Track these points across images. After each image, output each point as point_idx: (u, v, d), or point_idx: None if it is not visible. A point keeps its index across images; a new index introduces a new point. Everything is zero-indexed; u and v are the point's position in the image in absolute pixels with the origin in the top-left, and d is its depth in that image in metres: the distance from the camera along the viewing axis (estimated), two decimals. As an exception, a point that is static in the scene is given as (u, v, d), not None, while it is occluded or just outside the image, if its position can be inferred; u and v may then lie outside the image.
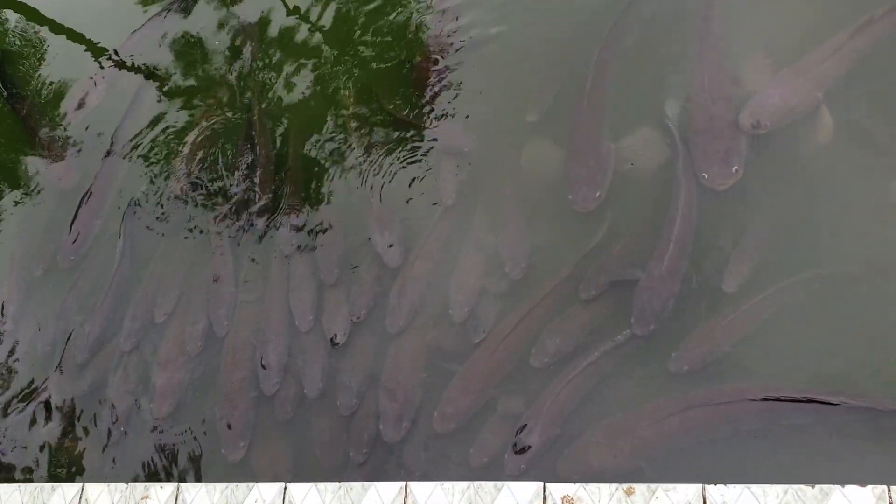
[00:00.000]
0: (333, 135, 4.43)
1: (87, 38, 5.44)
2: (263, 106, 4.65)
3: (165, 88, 5.02)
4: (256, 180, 4.36)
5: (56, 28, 5.58)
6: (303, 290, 3.94)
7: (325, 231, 4.13)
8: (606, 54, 3.86)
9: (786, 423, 2.82)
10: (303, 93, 4.65)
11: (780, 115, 3.41)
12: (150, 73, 5.09)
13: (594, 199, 3.55)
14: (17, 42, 5.61)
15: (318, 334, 3.84)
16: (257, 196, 4.34)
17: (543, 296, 3.46)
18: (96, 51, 5.34)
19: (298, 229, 4.17)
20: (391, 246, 3.85)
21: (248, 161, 4.48)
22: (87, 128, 5.04)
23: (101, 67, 5.22)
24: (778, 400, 2.82)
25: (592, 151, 3.65)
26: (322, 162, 4.37)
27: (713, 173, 3.37)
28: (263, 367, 3.80)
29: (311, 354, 3.77)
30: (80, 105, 5.11)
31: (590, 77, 3.80)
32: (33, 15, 5.69)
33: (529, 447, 3.14)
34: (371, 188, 4.14)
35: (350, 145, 4.34)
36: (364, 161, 4.25)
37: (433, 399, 3.45)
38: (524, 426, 3.20)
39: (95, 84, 5.15)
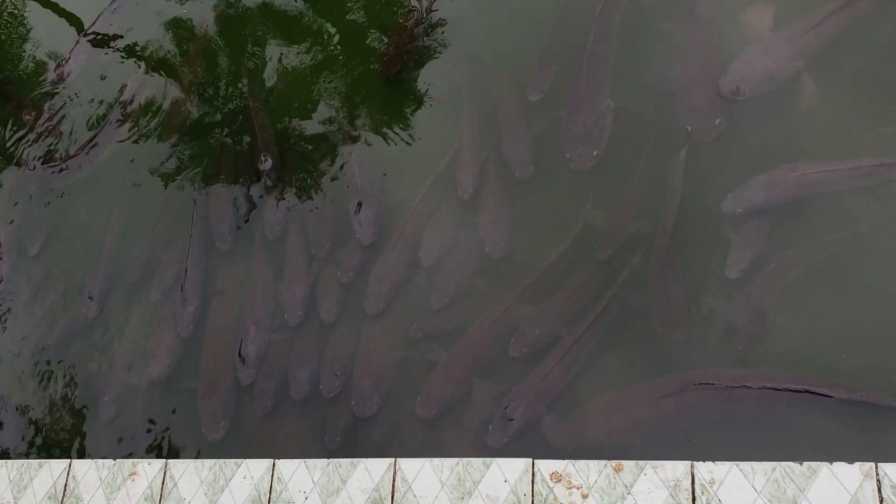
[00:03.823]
0: (321, 109, 4.36)
1: (65, 9, 5.32)
2: (252, 70, 4.58)
3: (147, 59, 4.93)
4: (258, 155, 4.24)
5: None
6: (294, 283, 3.84)
7: (315, 207, 4.07)
8: (609, 10, 3.83)
9: (782, 412, 2.80)
10: (294, 63, 4.58)
11: (760, 81, 3.43)
12: (129, 44, 4.99)
13: (591, 158, 3.55)
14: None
15: (310, 336, 3.74)
16: (253, 172, 4.26)
17: (529, 283, 3.42)
18: (74, 22, 5.23)
19: (285, 212, 4.10)
20: (372, 230, 3.80)
21: (243, 136, 4.41)
22: (67, 99, 4.95)
23: (80, 39, 5.11)
24: (776, 389, 2.80)
25: (591, 110, 3.63)
26: (311, 136, 4.31)
27: (697, 126, 3.44)
28: (241, 357, 3.75)
29: (301, 357, 3.67)
30: (60, 77, 5.01)
31: (591, 34, 3.76)
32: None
33: (513, 420, 3.13)
34: (356, 162, 4.08)
35: (339, 119, 4.28)
36: (353, 134, 4.19)
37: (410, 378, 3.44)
38: (511, 402, 3.17)
39: (74, 56, 5.05)
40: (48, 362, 4.19)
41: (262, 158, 4.20)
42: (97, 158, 4.66)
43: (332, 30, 4.60)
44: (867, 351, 2.85)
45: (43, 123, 4.90)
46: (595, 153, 3.54)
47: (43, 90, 5.04)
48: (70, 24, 5.24)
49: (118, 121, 4.73)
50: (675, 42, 3.67)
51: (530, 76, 3.91)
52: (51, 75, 5.06)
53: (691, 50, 3.63)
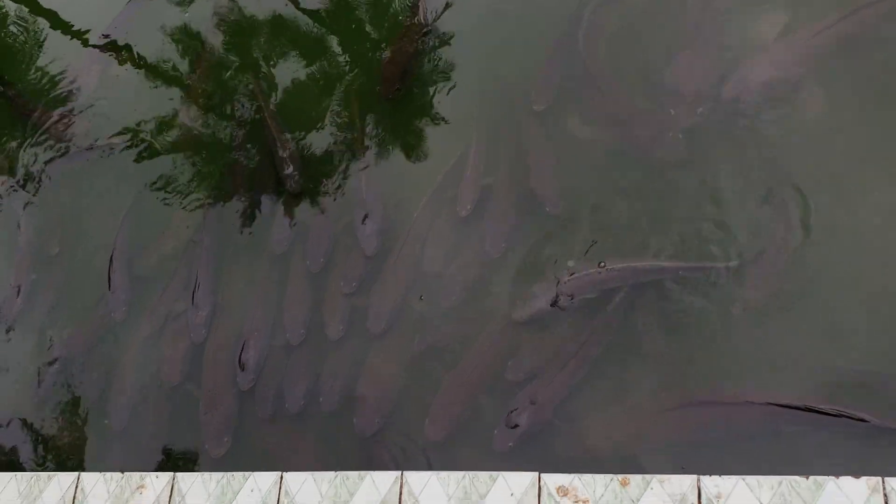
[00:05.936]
0: (327, 122, 4.38)
1: (74, 23, 5.37)
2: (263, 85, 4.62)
3: (156, 71, 4.96)
4: (282, 164, 4.23)
5: (44, 13, 5.50)
6: (297, 301, 3.85)
7: (316, 220, 4.09)
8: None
9: (786, 431, 2.81)
10: (301, 77, 4.60)
11: (762, 89, 3.47)
12: (140, 57, 5.03)
13: (679, 141, 3.52)
14: (9, 29, 5.53)
15: (307, 350, 3.74)
16: (272, 181, 4.27)
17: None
18: (82, 36, 5.27)
19: (293, 226, 4.10)
20: (376, 241, 3.81)
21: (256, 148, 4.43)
22: (82, 113, 4.98)
23: (91, 52, 5.15)
24: (782, 406, 2.80)
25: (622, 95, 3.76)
26: (318, 148, 4.33)
27: (680, 111, 3.56)
28: (241, 365, 3.76)
29: (297, 370, 3.69)
30: (75, 90, 5.04)
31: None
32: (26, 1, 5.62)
33: (519, 426, 3.13)
34: (363, 174, 4.11)
35: (347, 131, 4.30)
36: (359, 147, 4.21)
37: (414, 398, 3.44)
38: (516, 407, 3.18)
39: (88, 68, 5.08)
40: (59, 372, 4.20)
41: (286, 165, 4.20)
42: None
43: (337, 43, 4.63)
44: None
45: (60, 132, 4.92)
46: (680, 136, 3.52)
47: (60, 102, 5.06)
48: (75, 38, 5.28)
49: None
50: (677, 34, 3.77)
51: (534, 86, 3.93)
52: (67, 87, 5.08)
53: (691, 40, 3.72)
